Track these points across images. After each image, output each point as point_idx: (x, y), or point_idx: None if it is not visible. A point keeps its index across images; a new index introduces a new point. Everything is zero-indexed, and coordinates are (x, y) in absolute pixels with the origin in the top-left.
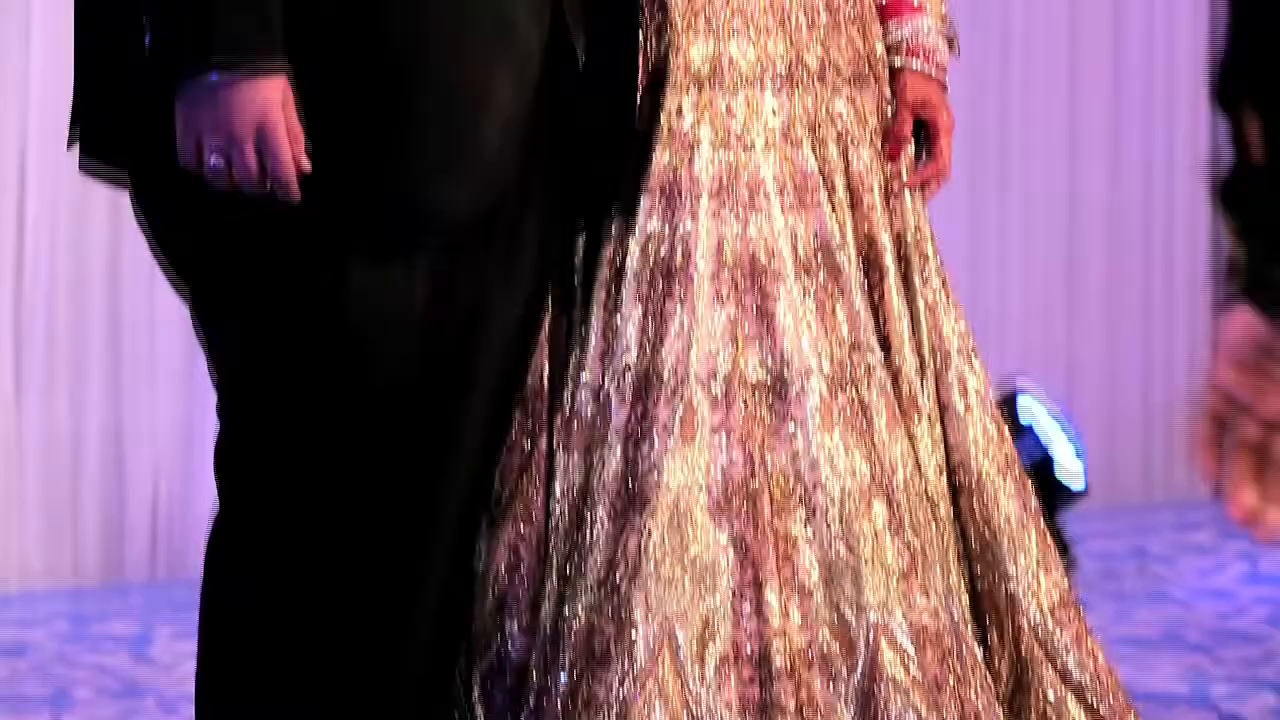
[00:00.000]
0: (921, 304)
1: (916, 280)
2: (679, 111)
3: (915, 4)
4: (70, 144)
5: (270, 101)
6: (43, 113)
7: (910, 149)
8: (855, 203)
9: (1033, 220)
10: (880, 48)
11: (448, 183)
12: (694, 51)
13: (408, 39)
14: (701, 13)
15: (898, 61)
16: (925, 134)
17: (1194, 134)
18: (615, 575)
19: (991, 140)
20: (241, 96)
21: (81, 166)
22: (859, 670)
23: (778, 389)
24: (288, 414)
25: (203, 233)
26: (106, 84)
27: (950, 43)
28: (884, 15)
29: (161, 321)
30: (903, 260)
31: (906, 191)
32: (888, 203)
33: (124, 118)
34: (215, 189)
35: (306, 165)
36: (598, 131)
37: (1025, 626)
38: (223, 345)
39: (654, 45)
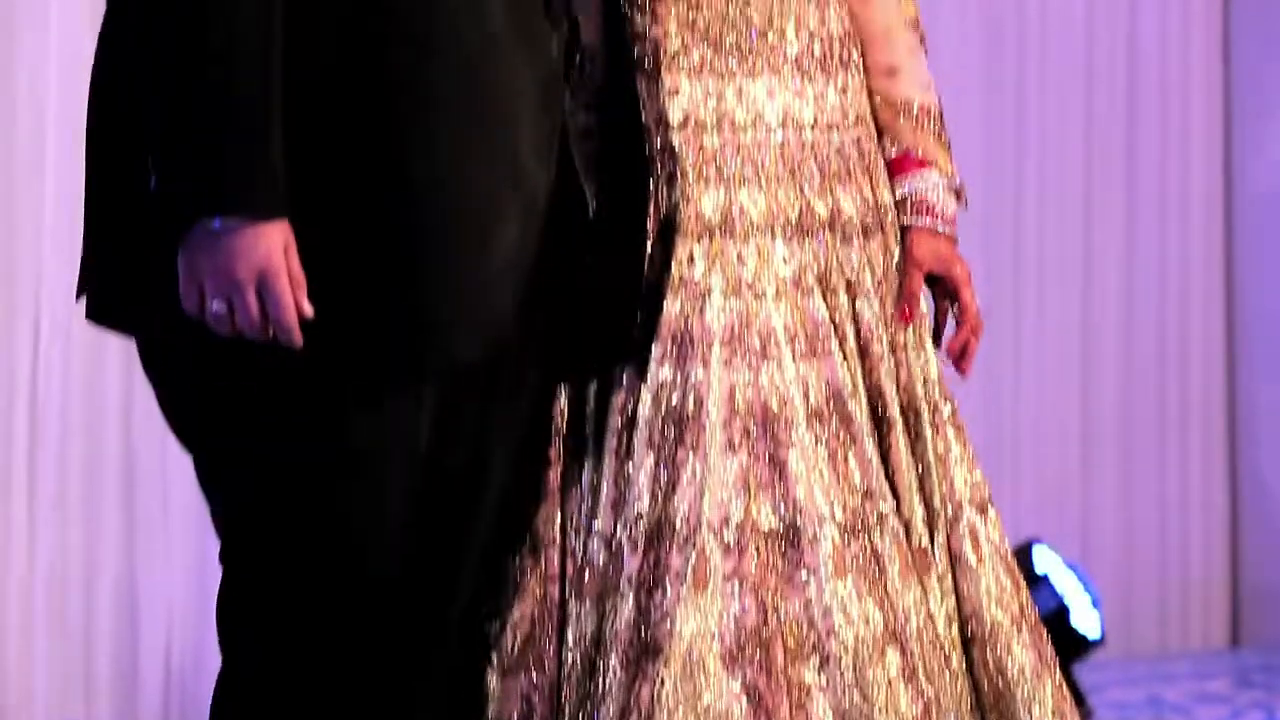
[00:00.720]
0: (932, 455)
1: (927, 431)
2: (690, 260)
3: (921, 159)
4: (79, 294)
5: (272, 247)
6: (57, 259)
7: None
8: (864, 352)
9: (1045, 370)
10: (888, 198)
11: (451, 326)
12: (705, 200)
13: (414, 182)
14: (713, 161)
15: (905, 219)
16: (942, 290)
17: (1208, 267)
18: None
19: (1006, 277)
20: (244, 243)
21: (88, 315)
22: None
23: (790, 537)
24: (290, 559)
25: (207, 376)
26: (113, 231)
27: (958, 194)
28: (892, 171)
29: (175, 468)
30: (912, 411)
31: (912, 339)
32: (894, 353)
33: (130, 264)
34: (218, 335)
35: (308, 310)
36: (607, 279)
37: None
38: (225, 489)
39: (665, 193)
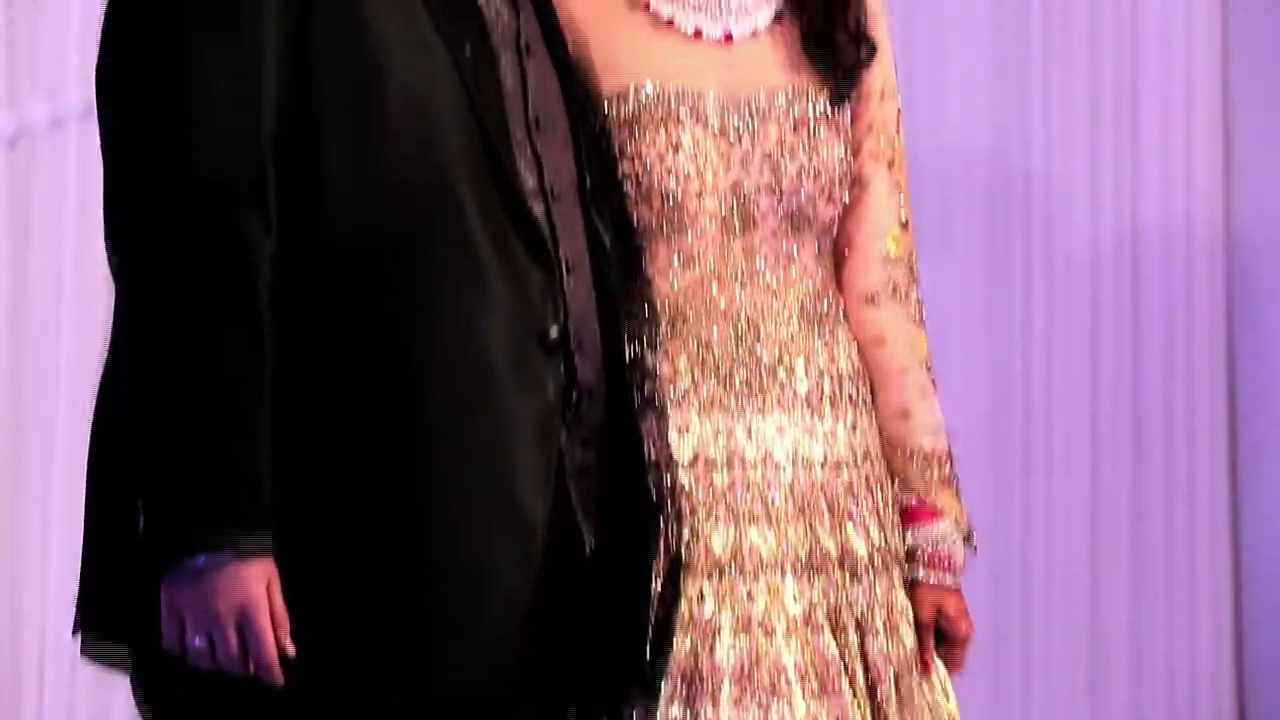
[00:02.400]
0: None
1: None
2: (700, 597)
3: (932, 509)
4: (75, 630)
5: (254, 585)
6: (60, 595)
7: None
8: (872, 692)
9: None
10: (897, 540)
11: (444, 665)
12: (715, 538)
13: (406, 517)
14: (722, 499)
15: (914, 571)
16: (943, 636)
17: (1214, 469)
18: None
19: (1015, 407)
20: (225, 581)
21: (84, 651)
22: None
23: None
24: None
25: (195, 713)
26: (107, 566)
27: (968, 538)
28: (903, 518)
29: None
30: None
31: (925, 679)
32: (901, 693)
33: (122, 600)
34: (200, 671)
35: (290, 648)
36: (612, 618)
37: None
38: None
39: (674, 531)
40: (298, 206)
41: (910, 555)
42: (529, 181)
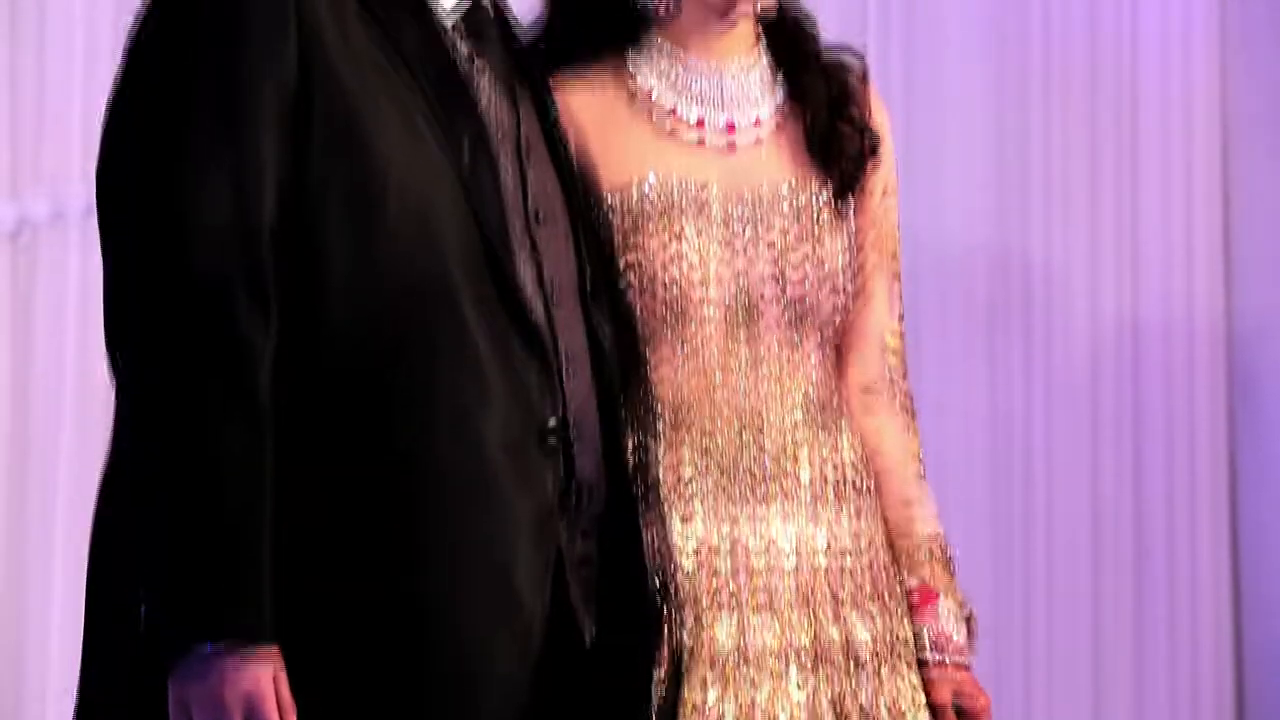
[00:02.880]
0: None
1: None
2: (703, 686)
3: (936, 592)
4: None
5: (261, 674)
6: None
7: None
8: None
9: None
10: (902, 626)
11: None
12: (719, 627)
13: (404, 614)
14: (726, 588)
15: (924, 655)
16: (963, 712)
17: (1215, 558)
18: None
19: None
20: (232, 670)
21: None
22: None
23: None
24: None
25: None
26: (109, 664)
27: (969, 621)
28: (909, 602)
29: None
30: None
31: None
32: None
33: (124, 698)
34: None
35: None
36: (615, 708)
37: None
38: None
39: (677, 619)
40: (297, 303)
41: (919, 638)
42: (528, 278)
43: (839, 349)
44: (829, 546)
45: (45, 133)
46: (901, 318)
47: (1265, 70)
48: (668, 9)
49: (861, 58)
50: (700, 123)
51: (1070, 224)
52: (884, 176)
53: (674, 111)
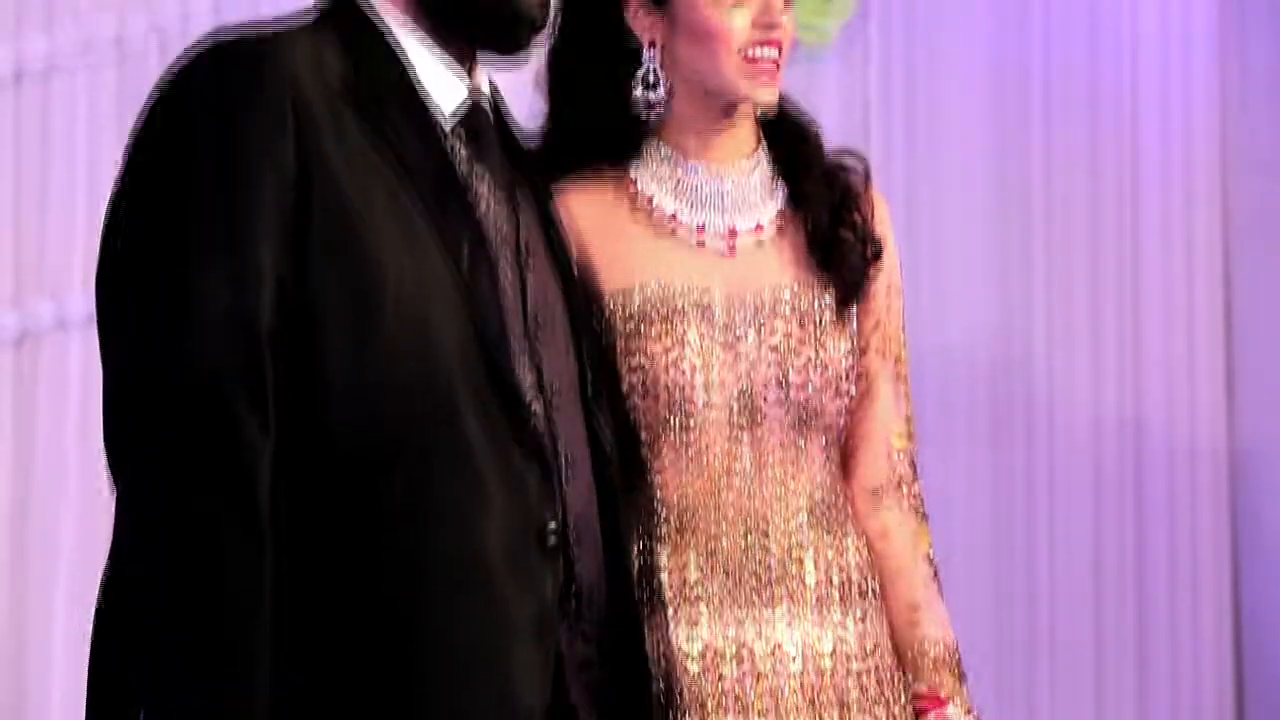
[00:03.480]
0: None
1: None
2: None
3: (942, 698)
4: None
5: None
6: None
7: None
8: None
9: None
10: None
11: None
12: None
13: (402, 711)
14: (731, 691)
15: None
16: None
17: (1219, 680)
18: None
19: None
20: None
21: None
22: None
23: None
24: None
25: None
26: None
27: None
28: (915, 707)
29: None
30: None
31: None
32: None
33: None
34: None
35: None
36: None
37: None
38: None
39: None
40: (296, 406)
41: None
42: (527, 381)
43: (844, 451)
44: (835, 650)
45: (48, 240)
46: (909, 419)
47: (1266, 166)
48: (658, 111)
49: (864, 161)
50: (701, 229)
51: (1072, 328)
52: (887, 277)
53: (674, 217)
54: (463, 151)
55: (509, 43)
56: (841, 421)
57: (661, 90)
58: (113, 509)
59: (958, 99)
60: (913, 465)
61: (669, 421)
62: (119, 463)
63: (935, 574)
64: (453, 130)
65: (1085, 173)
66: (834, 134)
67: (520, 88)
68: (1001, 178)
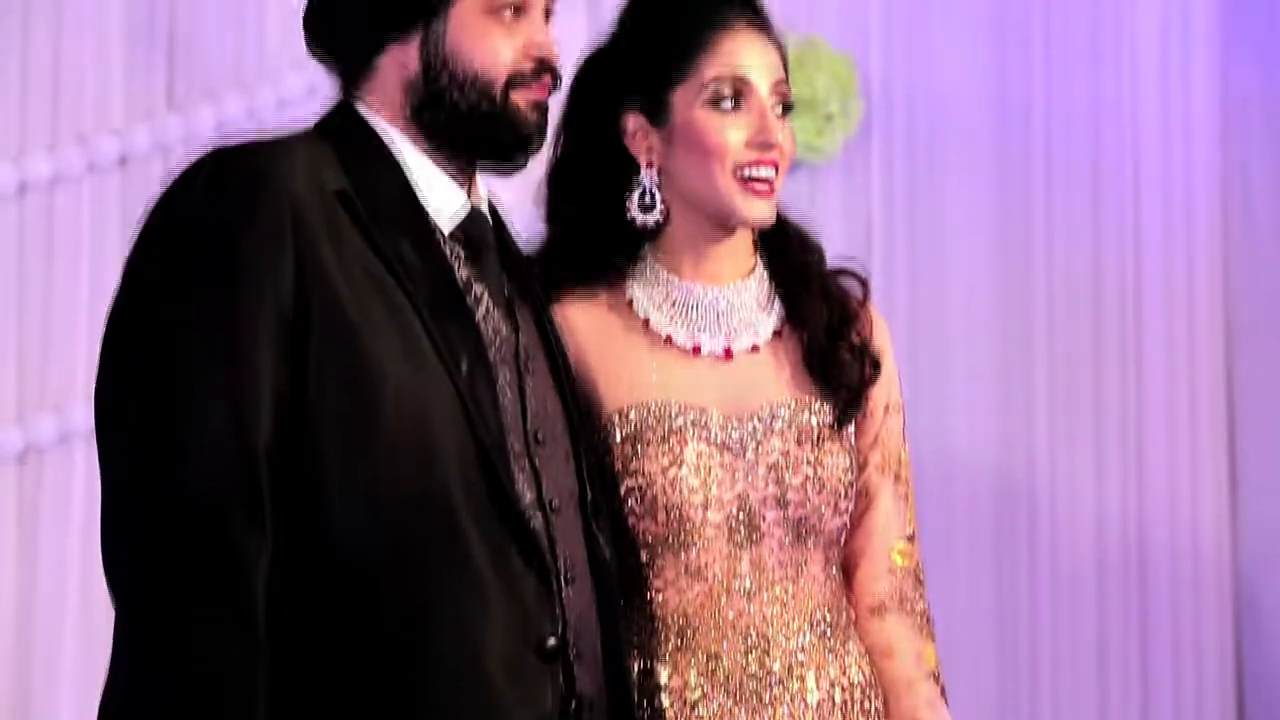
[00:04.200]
0: None
1: None
2: None
3: None
4: None
5: None
6: None
7: None
8: None
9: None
10: None
11: None
12: None
13: None
14: None
15: None
16: None
17: (1221, 661)
18: None
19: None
20: None
21: None
22: None
23: None
24: None
25: None
26: None
27: None
28: None
29: None
30: None
31: None
32: None
33: None
34: None
35: None
36: None
37: None
38: None
39: None
40: (294, 515)
41: None
42: (527, 494)
43: (847, 570)
44: None
45: (51, 356)
46: (913, 535)
47: (1267, 263)
48: (658, 221)
49: (863, 276)
50: (696, 349)
51: (1075, 438)
52: (885, 393)
53: (669, 339)
54: (462, 261)
55: (507, 161)
56: (842, 539)
57: (658, 212)
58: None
59: (960, 210)
60: (918, 581)
61: (668, 539)
62: (118, 581)
63: (941, 692)
64: (451, 238)
65: (1088, 281)
66: (837, 243)
67: (520, 201)
68: (1004, 286)
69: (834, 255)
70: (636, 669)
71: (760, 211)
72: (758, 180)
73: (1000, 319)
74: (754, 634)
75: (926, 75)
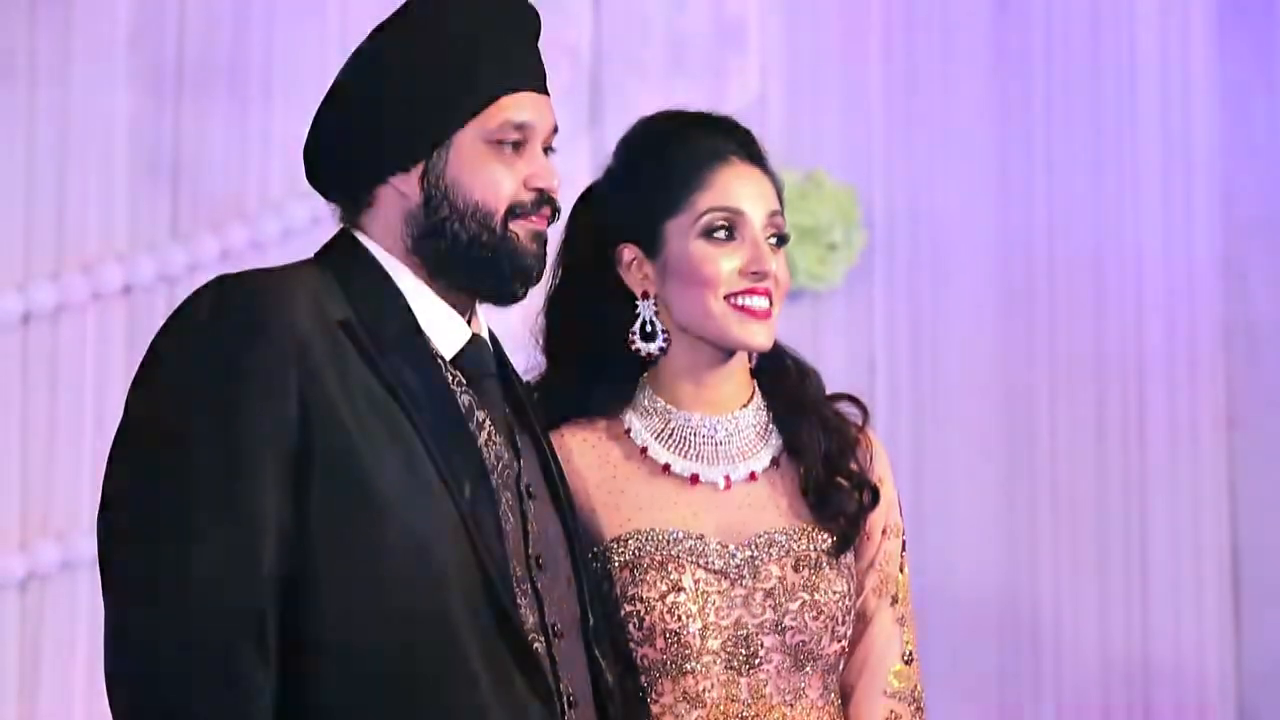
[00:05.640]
0: None
1: None
2: None
3: None
4: None
5: None
6: None
7: None
8: None
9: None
10: None
11: None
12: None
13: None
14: None
15: None
16: None
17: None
18: None
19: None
20: None
21: None
22: None
23: None
24: None
25: None
26: None
27: None
28: None
29: None
30: None
31: None
32: None
33: None
34: None
35: None
36: None
37: None
38: None
39: None
40: (299, 640)
41: None
42: (529, 619)
43: (844, 693)
44: None
45: (55, 484)
46: (911, 659)
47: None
48: (661, 349)
49: (861, 404)
50: (694, 479)
51: (1079, 564)
52: (884, 519)
53: (667, 468)
54: (463, 388)
55: (506, 295)
56: (840, 662)
57: (660, 340)
58: None
59: (963, 337)
60: (917, 705)
61: (666, 664)
62: (123, 713)
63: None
64: (452, 361)
65: (1091, 408)
66: (841, 369)
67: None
68: (1008, 414)
69: (837, 382)
70: None
71: (758, 336)
72: (751, 309)
73: (1004, 446)
74: None
75: (928, 204)
